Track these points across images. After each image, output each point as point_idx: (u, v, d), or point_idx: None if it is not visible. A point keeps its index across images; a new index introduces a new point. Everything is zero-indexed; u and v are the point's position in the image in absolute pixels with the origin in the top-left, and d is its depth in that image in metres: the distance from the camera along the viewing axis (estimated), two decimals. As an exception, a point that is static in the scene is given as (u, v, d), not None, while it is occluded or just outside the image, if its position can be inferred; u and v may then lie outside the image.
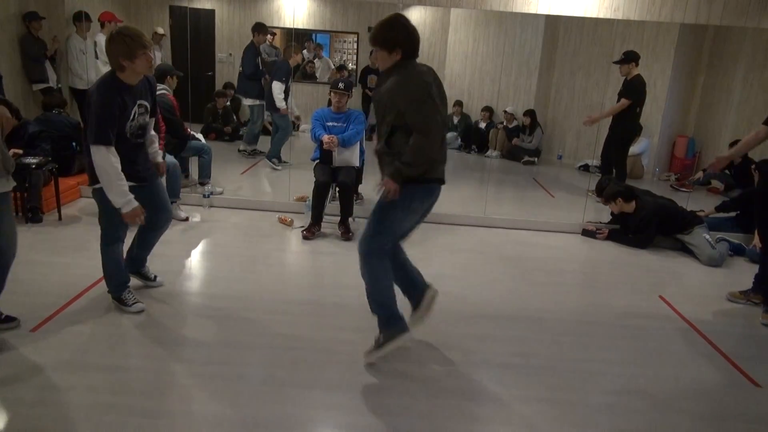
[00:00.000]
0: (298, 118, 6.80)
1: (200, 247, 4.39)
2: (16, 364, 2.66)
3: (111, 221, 3.05)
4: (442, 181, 2.84)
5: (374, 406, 2.54)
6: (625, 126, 6.04)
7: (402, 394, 2.64)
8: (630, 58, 5.94)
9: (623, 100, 5.92)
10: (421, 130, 2.57)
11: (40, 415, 2.32)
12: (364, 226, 2.82)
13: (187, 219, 4.94)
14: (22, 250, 3.99)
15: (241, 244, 4.49)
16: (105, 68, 6.22)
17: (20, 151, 4.72)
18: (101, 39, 6.34)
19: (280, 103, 6.54)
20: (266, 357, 2.87)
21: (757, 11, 5.56)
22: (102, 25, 6.56)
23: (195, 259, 4.15)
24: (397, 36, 2.60)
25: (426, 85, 2.58)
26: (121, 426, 2.29)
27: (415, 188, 2.71)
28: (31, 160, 4.57)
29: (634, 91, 5.92)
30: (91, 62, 6.52)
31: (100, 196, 2.96)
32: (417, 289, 3.00)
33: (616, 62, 6.06)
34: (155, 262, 3.97)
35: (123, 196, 2.88)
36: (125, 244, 3.30)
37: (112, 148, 2.83)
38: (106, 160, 2.80)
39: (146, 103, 3.03)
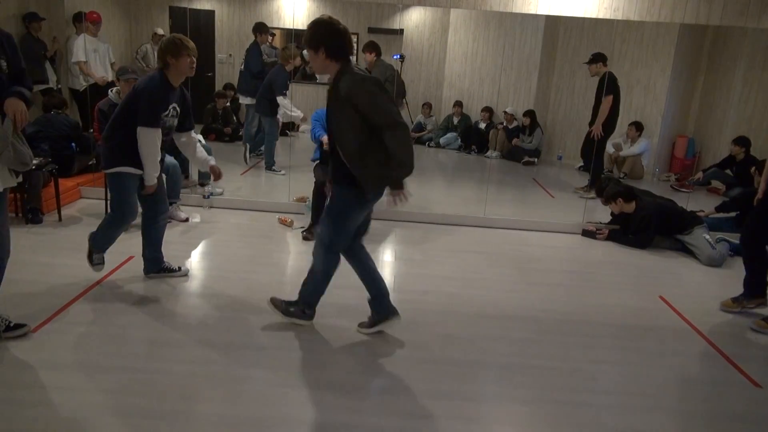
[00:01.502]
0: (304, 119, 6.75)
1: (200, 248, 4.39)
2: (17, 364, 2.66)
3: (122, 203, 3.38)
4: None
5: (374, 407, 2.54)
6: (606, 122, 6.33)
7: (402, 394, 2.64)
8: (597, 58, 6.40)
9: (608, 98, 6.27)
10: (390, 125, 2.60)
11: (41, 416, 2.32)
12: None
13: (187, 220, 4.95)
14: (22, 251, 4.00)
15: (242, 245, 4.49)
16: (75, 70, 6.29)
17: None
18: (80, 39, 6.27)
19: (295, 113, 6.51)
20: (266, 357, 2.87)
21: (756, 11, 5.56)
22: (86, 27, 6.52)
23: (195, 260, 4.15)
24: (319, 33, 2.66)
25: (377, 80, 2.65)
26: (122, 426, 2.29)
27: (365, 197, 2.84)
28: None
29: (612, 86, 6.31)
30: (100, 61, 6.49)
31: (116, 179, 3.33)
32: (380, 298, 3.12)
33: (585, 63, 6.51)
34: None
35: (156, 171, 3.36)
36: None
37: (159, 131, 3.25)
38: (153, 140, 3.24)
39: (177, 107, 3.41)
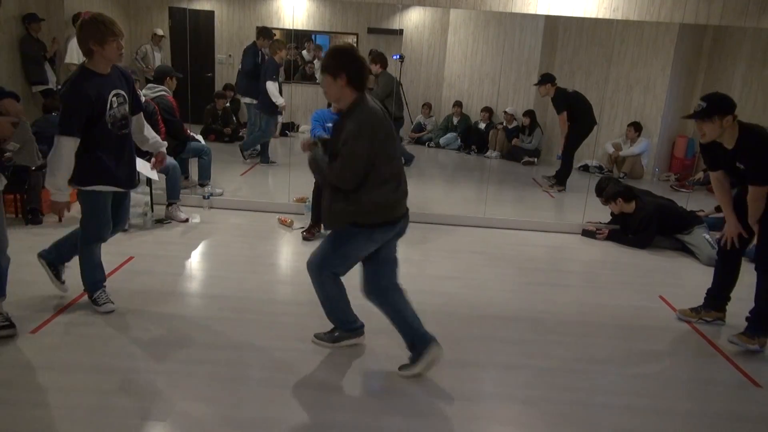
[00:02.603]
0: (283, 108, 6.91)
1: (200, 248, 4.39)
2: (16, 365, 2.66)
3: (95, 222, 3.08)
4: (400, 219, 2.74)
5: (374, 407, 2.54)
6: (572, 130, 6.74)
7: (402, 394, 2.64)
8: (545, 80, 6.72)
9: (562, 116, 6.71)
10: (335, 177, 2.60)
11: (41, 416, 2.32)
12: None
13: (187, 220, 4.94)
14: (22, 251, 3.99)
15: (241, 245, 4.49)
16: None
17: None
18: (74, 41, 6.31)
19: (278, 100, 6.67)
20: (266, 358, 2.87)
21: (756, 11, 5.56)
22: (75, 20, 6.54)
23: (195, 260, 4.15)
24: (342, 60, 2.59)
25: (379, 125, 2.57)
26: (121, 427, 2.29)
27: (372, 231, 2.69)
28: (31, 162, 4.56)
29: (560, 105, 6.70)
30: None
31: (86, 196, 3.01)
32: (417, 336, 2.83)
33: (535, 84, 6.92)
34: (155, 263, 3.98)
35: (60, 187, 2.89)
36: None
37: (76, 141, 2.84)
38: (66, 150, 2.82)
39: (123, 93, 3.00)
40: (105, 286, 3.29)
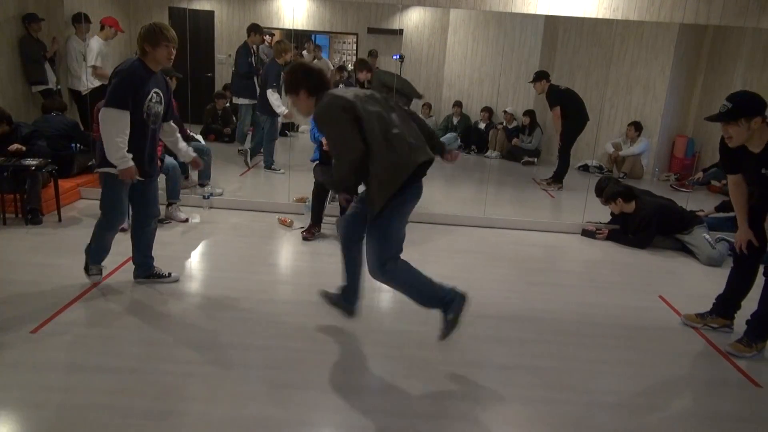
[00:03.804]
0: (289, 116, 6.79)
1: (200, 248, 4.38)
2: (16, 365, 2.66)
3: (113, 205, 3.31)
4: (420, 175, 2.77)
5: (374, 407, 2.54)
6: (566, 127, 6.77)
7: (402, 394, 2.64)
8: (539, 76, 6.85)
9: (555, 110, 6.74)
10: (336, 156, 2.67)
11: (40, 416, 2.32)
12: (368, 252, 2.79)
13: (186, 220, 4.94)
14: (22, 252, 4.00)
15: (241, 245, 4.49)
16: (87, 71, 6.27)
17: (23, 148, 4.72)
18: (94, 42, 6.31)
19: (279, 109, 6.48)
20: (266, 358, 2.87)
21: (756, 11, 5.56)
22: (101, 28, 6.56)
23: (195, 260, 4.15)
24: (296, 79, 2.76)
25: (340, 105, 2.61)
26: (121, 427, 2.29)
27: (396, 200, 2.67)
28: (31, 162, 4.57)
29: (553, 100, 6.76)
30: (110, 63, 6.50)
31: (106, 179, 3.24)
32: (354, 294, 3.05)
33: (530, 82, 6.99)
34: (157, 264, 3.97)
35: (122, 155, 3.10)
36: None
37: (125, 114, 3.06)
38: (116, 122, 3.05)
39: (161, 93, 3.28)
40: (104, 267, 3.55)
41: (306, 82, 2.74)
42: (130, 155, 3.13)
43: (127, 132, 3.10)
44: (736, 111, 2.87)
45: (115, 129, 3.06)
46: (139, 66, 3.15)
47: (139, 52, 3.18)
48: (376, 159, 2.60)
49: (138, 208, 3.47)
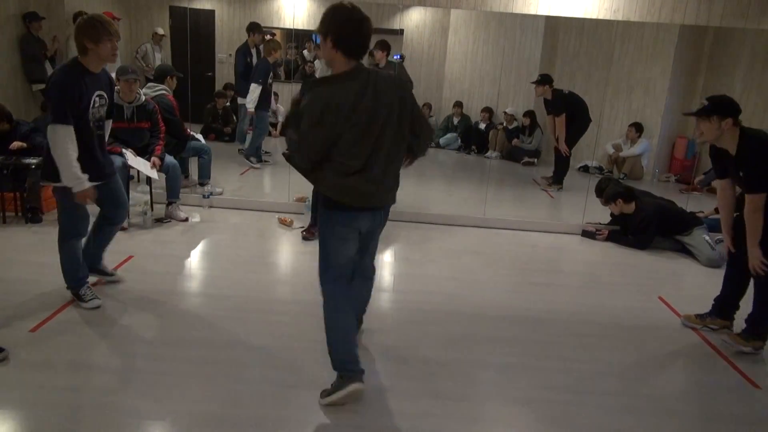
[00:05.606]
0: (249, 113, 6.82)
1: (200, 248, 4.38)
2: (15, 364, 2.66)
3: (71, 217, 3.12)
4: (365, 209, 2.46)
5: (373, 407, 2.53)
6: (571, 129, 6.70)
7: (401, 394, 2.64)
8: (544, 80, 6.67)
9: (561, 117, 6.62)
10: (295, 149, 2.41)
11: (40, 416, 2.32)
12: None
13: (186, 219, 4.94)
14: (22, 251, 4.00)
15: (241, 245, 4.49)
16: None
17: (24, 144, 4.70)
18: None
19: (249, 103, 6.57)
20: (266, 357, 2.87)
21: (756, 13, 5.56)
22: None
23: (195, 260, 4.15)
24: (326, 19, 2.26)
25: (322, 102, 2.24)
26: (121, 427, 2.29)
27: (332, 213, 2.46)
28: (31, 160, 4.57)
29: (560, 107, 6.65)
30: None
31: (61, 192, 3.01)
32: None
33: (533, 82, 6.76)
34: (155, 262, 3.98)
35: (76, 177, 2.89)
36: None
37: (71, 129, 2.84)
38: (63, 139, 2.82)
39: (105, 95, 3.06)
40: (88, 282, 3.30)
41: (339, 33, 2.24)
42: (86, 176, 2.92)
43: (75, 146, 2.87)
44: (710, 108, 3.08)
45: (68, 150, 2.83)
46: (74, 72, 2.86)
47: (78, 50, 2.88)
48: (327, 171, 2.38)
49: (110, 208, 3.31)
